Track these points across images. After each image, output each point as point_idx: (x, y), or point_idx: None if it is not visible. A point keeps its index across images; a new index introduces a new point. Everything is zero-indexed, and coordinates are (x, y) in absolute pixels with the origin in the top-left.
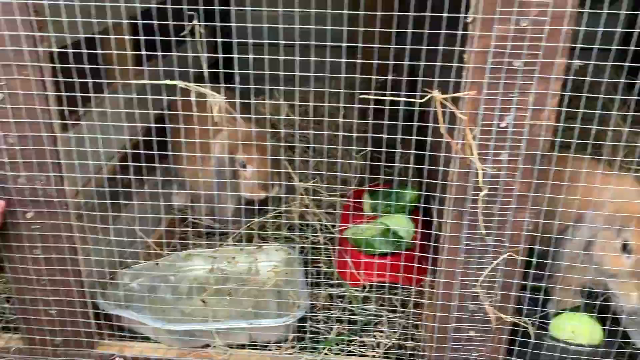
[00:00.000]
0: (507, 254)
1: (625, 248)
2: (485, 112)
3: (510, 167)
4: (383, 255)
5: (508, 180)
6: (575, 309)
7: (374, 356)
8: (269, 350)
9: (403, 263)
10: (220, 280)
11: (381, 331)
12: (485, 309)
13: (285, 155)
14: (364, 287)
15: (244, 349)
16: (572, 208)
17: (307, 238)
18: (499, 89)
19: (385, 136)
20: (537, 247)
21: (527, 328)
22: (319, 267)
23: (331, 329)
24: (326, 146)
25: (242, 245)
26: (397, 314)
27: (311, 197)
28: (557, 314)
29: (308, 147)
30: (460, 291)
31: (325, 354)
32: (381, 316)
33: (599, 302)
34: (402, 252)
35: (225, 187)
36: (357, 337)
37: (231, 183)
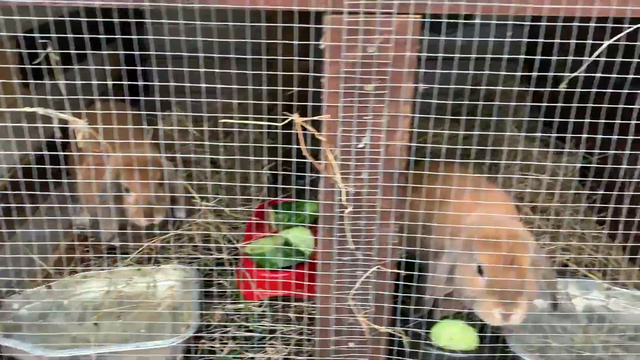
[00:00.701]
0: (376, 267)
1: (479, 270)
2: (343, 134)
3: (371, 185)
4: (283, 269)
5: (370, 197)
6: (454, 317)
7: None
8: None
9: (287, 280)
10: (115, 303)
11: (274, 345)
12: (359, 321)
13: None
14: (262, 302)
15: None
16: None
17: (210, 256)
18: (354, 112)
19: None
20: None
21: (400, 338)
22: (220, 284)
23: (225, 346)
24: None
25: (139, 265)
26: (290, 328)
27: (201, 220)
28: (435, 322)
29: (214, 166)
30: (337, 305)
31: None
32: (275, 331)
33: (471, 310)
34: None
35: (114, 211)
36: (247, 353)
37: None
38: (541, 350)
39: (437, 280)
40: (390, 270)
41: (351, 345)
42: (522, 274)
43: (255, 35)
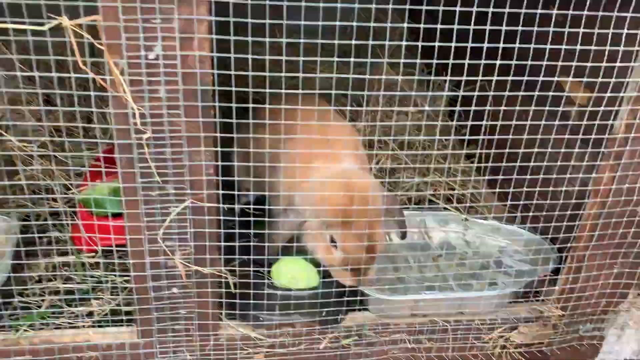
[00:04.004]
0: (189, 201)
1: (333, 242)
2: (128, 42)
3: (171, 104)
4: (117, 216)
5: (173, 120)
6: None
7: (83, 326)
8: None
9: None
10: None
11: (98, 298)
12: (176, 263)
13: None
14: (96, 252)
15: None
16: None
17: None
18: (138, 14)
19: None
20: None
21: (227, 278)
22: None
23: (43, 302)
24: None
25: None
26: (123, 279)
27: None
28: (275, 260)
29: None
30: (150, 246)
31: (25, 330)
32: (107, 282)
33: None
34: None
35: None
36: (67, 308)
37: None
38: (390, 282)
39: (282, 236)
40: (207, 205)
41: (174, 290)
42: (375, 248)
43: None
